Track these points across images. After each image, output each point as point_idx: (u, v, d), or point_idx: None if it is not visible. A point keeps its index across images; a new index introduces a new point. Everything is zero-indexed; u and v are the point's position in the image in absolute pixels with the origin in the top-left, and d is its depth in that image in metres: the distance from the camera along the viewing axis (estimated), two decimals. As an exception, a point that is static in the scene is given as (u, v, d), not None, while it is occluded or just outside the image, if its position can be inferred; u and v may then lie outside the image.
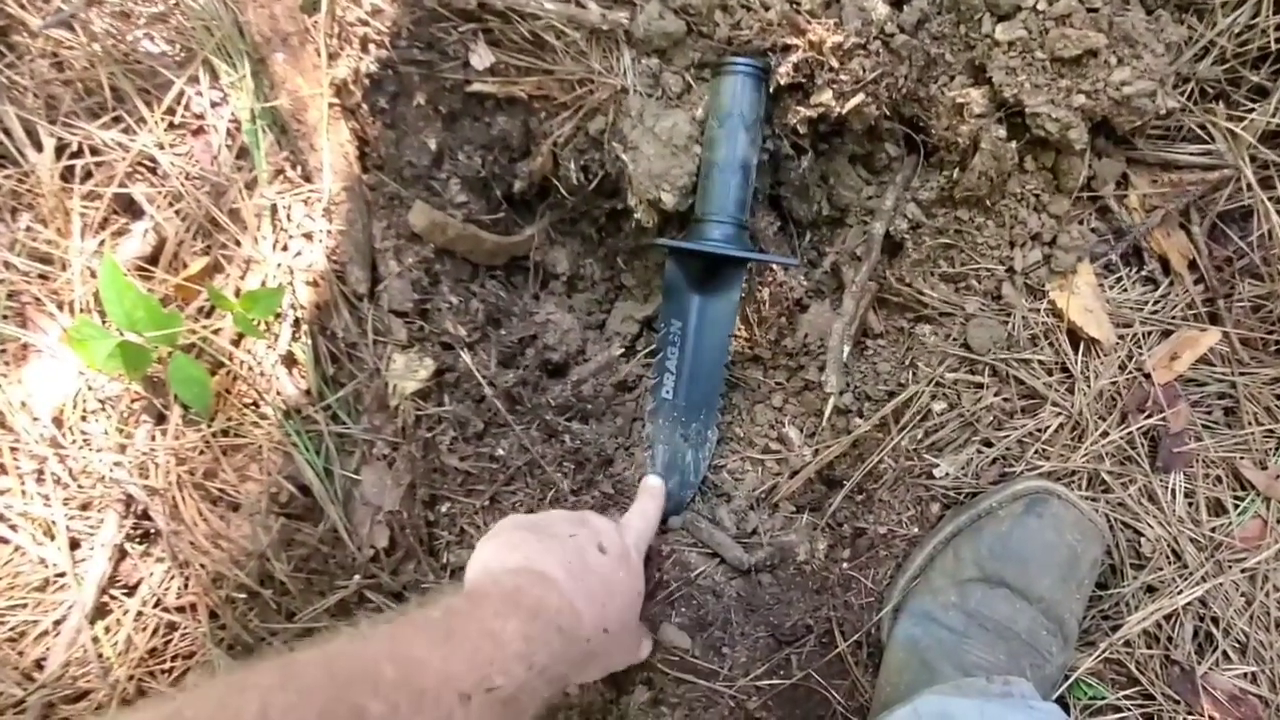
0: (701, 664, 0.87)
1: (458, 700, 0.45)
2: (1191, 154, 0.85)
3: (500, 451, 0.89)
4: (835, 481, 0.92)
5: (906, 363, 0.90)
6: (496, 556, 0.64)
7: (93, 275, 0.82)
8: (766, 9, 0.83)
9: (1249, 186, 0.82)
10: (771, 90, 0.84)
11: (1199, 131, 0.84)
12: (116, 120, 0.84)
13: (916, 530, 0.87)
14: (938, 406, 0.87)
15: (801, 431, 0.95)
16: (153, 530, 0.83)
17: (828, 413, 0.89)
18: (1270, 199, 0.83)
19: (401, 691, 0.43)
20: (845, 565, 0.88)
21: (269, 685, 0.40)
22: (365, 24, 0.80)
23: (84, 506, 0.83)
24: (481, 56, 0.85)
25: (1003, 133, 0.81)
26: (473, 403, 0.88)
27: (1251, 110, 0.82)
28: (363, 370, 0.85)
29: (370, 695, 0.42)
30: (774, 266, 0.91)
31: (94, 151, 0.84)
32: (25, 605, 0.81)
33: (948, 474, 0.86)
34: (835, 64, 0.81)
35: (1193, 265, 0.87)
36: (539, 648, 0.53)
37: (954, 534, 0.84)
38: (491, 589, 0.59)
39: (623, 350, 1.00)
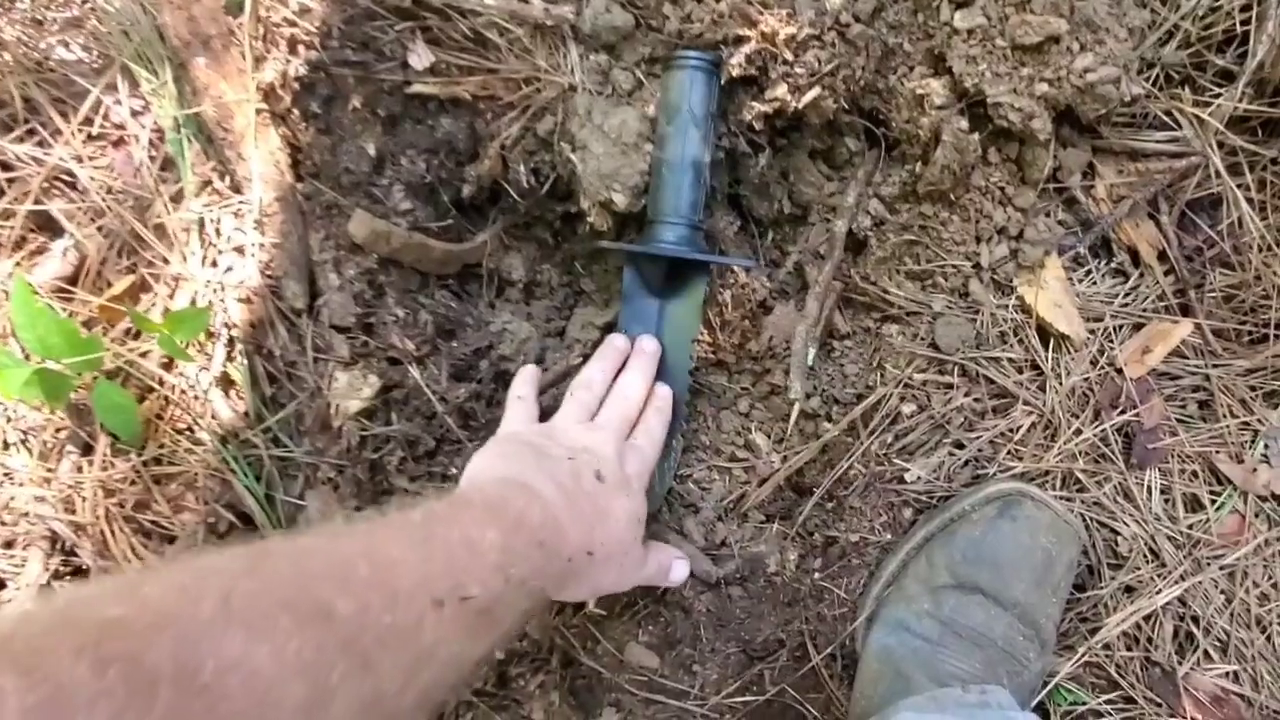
0: (671, 683, 0.85)
1: (430, 605, 0.44)
2: (1158, 141, 0.82)
3: (454, 470, 0.85)
4: (805, 489, 0.89)
5: (874, 364, 0.87)
6: (488, 465, 0.64)
7: (7, 298, 0.78)
8: (717, 0, 0.79)
9: (1217, 174, 0.80)
10: (724, 84, 0.81)
11: (1165, 118, 0.82)
12: (30, 133, 0.79)
13: (889, 536, 0.85)
14: (907, 409, 0.85)
15: (769, 437, 0.92)
16: (82, 566, 0.78)
17: (794, 419, 0.86)
18: (1239, 185, 0.81)
19: (374, 591, 0.41)
20: (817, 575, 0.86)
21: (235, 571, 0.38)
22: (292, 24, 0.76)
23: (7, 545, 0.78)
24: (421, 56, 0.81)
25: (965, 124, 0.78)
26: (423, 420, 0.84)
27: (1218, 95, 0.79)
28: (303, 390, 0.80)
29: (339, 592, 0.40)
30: (736, 268, 0.88)
31: (5, 167, 0.79)
32: (-53, 652, 0.76)
33: (919, 478, 0.84)
34: (789, 56, 0.77)
35: (1162, 256, 0.85)
36: (518, 560, 0.52)
37: (927, 539, 0.82)
38: (476, 496, 0.58)
39: (583, 358, 0.96)
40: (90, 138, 0.80)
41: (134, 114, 0.79)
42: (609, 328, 0.98)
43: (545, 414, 0.90)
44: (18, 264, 0.78)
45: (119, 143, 0.80)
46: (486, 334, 0.91)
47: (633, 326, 0.91)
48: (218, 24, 0.76)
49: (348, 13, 0.77)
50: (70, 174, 0.79)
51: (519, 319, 0.95)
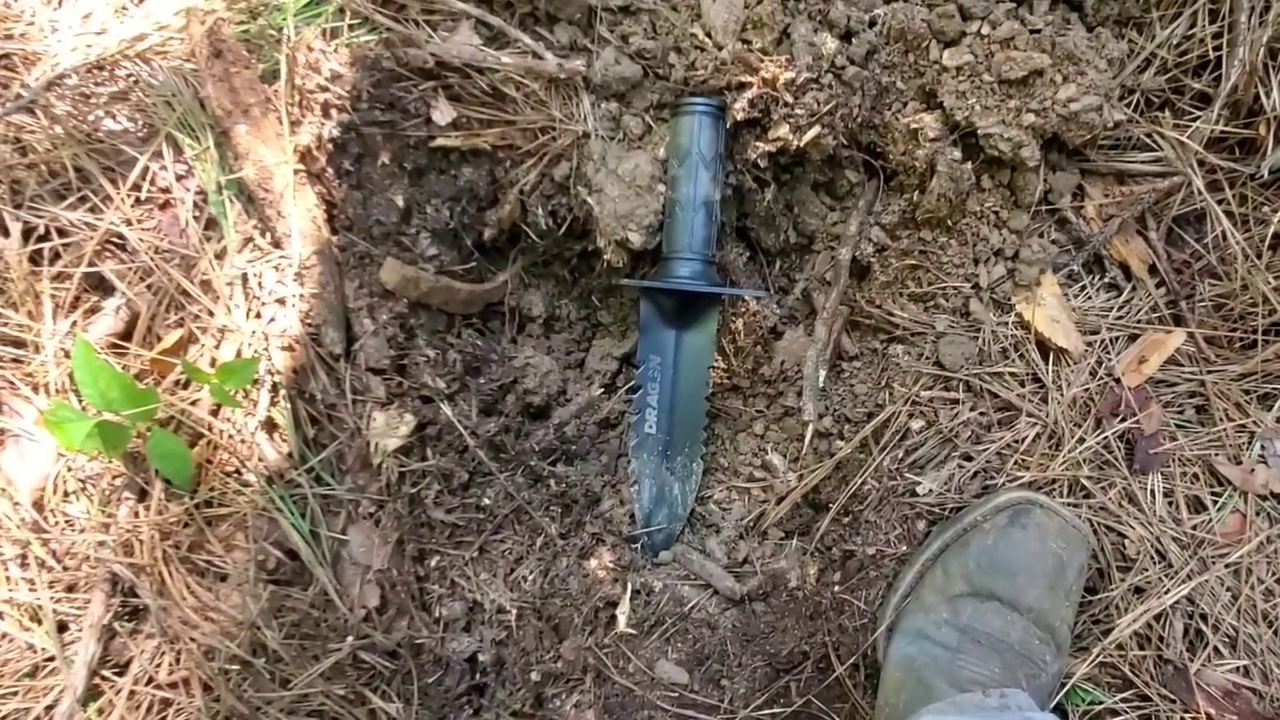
0: (701, 698, 0.87)
1: None
2: (1142, 162, 0.87)
3: (486, 501, 0.89)
4: (821, 505, 0.93)
5: (882, 383, 0.91)
6: None
7: (66, 356, 0.82)
8: (719, 49, 0.84)
9: (1199, 191, 0.84)
10: (729, 127, 0.86)
11: (1147, 140, 0.86)
12: (82, 200, 0.84)
13: (904, 548, 0.87)
14: (916, 425, 0.88)
15: (785, 457, 0.96)
16: (141, 607, 0.82)
17: (808, 439, 0.89)
18: (1219, 201, 0.85)
19: None
20: (837, 588, 0.88)
21: None
22: (325, 90, 0.81)
23: (70, 588, 0.82)
24: (443, 112, 0.86)
25: (958, 154, 0.82)
26: (456, 454, 0.88)
27: (1196, 118, 0.84)
28: (343, 430, 0.85)
29: None
30: (747, 297, 0.92)
31: (61, 233, 0.84)
32: (16, 693, 0.80)
33: (931, 491, 0.87)
34: (790, 99, 0.82)
35: (1153, 269, 0.89)
36: None
37: (941, 550, 0.84)
38: None
39: (603, 388, 1.00)
40: (138, 202, 0.85)
41: (178, 178, 0.84)
42: (626, 359, 1.03)
43: (570, 443, 0.95)
44: (74, 323, 0.83)
45: (165, 206, 0.85)
46: (510, 369, 0.95)
47: (650, 356, 0.95)
48: (256, 93, 0.81)
49: (375, 76, 0.83)
50: (120, 237, 0.84)
51: (540, 353, 0.99)
